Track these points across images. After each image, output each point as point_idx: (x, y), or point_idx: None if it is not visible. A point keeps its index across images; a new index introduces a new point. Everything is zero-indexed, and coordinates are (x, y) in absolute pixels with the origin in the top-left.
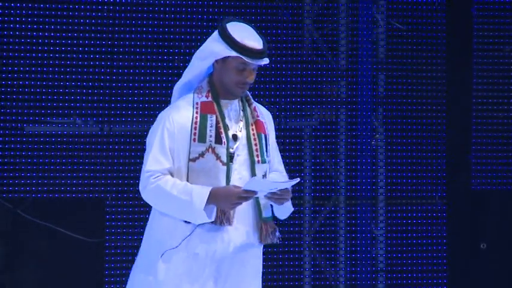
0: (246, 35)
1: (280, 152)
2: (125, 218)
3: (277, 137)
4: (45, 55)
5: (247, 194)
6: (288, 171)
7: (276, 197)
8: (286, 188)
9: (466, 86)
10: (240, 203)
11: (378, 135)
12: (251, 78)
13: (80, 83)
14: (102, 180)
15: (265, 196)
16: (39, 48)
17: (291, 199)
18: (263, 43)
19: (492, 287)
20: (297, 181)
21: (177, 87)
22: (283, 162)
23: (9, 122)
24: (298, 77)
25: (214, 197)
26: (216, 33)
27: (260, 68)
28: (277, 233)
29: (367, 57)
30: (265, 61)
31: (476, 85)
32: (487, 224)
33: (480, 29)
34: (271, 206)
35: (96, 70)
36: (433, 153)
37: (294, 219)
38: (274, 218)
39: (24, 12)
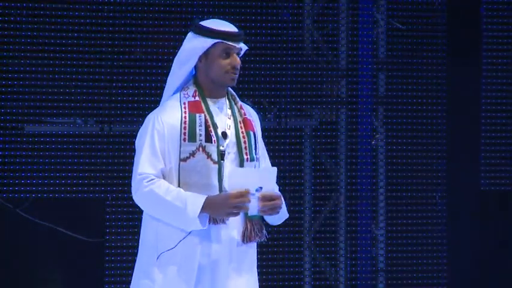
0: (220, 23)
1: (280, 152)
2: (125, 218)
3: (277, 137)
4: (45, 55)
5: (240, 200)
6: (288, 171)
7: (268, 207)
8: (276, 195)
9: (466, 86)
10: (237, 214)
11: (378, 135)
12: (238, 62)
13: (80, 83)
14: (103, 180)
15: (258, 211)
16: (39, 48)
17: (289, 205)
18: (237, 28)
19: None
20: (274, 170)
21: (166, 98)
22: (283, 163)
23: (9, 122)
24: (298, 77)
25: (208, 206)
26: (190, 33)
27: (260, 68)
28: (264, 231)
29: (367, 57)
30: (244, 46)
31: (477, 84)
32: (486, 224)
33: (487, 29)
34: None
35: (97, 70)
36: (433, 153)
37: (294, 219)
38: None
39: (24, 12)
